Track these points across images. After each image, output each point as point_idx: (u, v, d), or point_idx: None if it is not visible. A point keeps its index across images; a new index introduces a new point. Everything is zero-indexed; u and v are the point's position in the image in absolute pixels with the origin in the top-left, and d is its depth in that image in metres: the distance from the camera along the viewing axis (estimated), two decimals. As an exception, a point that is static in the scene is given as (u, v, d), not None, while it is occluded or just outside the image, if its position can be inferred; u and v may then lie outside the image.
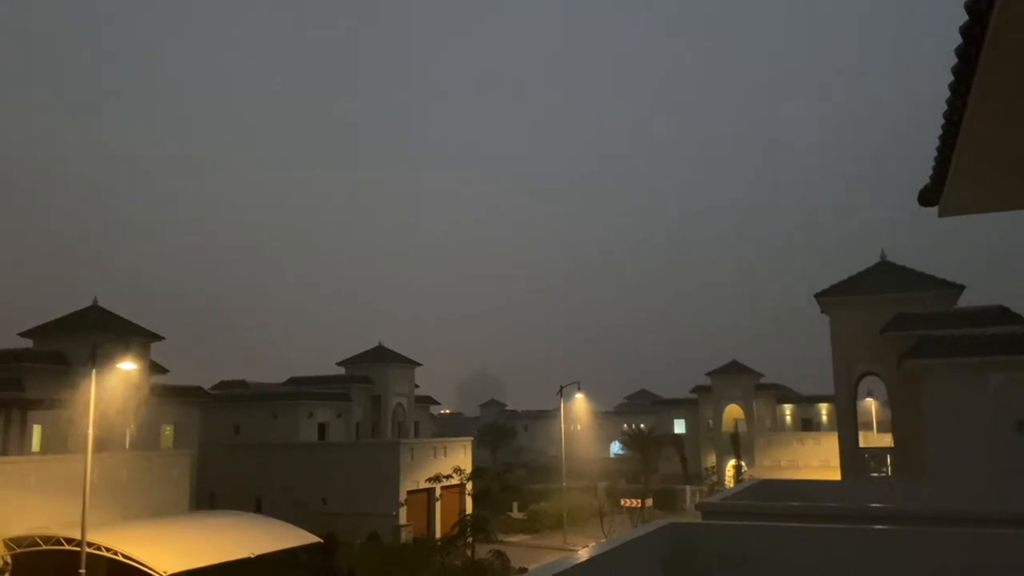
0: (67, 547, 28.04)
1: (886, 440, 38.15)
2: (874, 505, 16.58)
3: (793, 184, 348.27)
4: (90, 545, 26.77)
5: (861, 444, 33.11)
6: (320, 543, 34.57)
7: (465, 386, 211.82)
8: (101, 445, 30.82)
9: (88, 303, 42.16)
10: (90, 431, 26.21)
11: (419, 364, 64.52)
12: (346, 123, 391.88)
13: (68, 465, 30.01)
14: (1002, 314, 27.60)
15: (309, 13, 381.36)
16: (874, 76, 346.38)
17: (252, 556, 30.13)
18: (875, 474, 30.45)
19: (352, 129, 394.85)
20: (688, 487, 66.99)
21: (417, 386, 65.36)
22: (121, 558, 27.85)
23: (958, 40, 4.08)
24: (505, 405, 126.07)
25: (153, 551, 28.30)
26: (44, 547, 28.68)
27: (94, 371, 26.94)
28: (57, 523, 29.24)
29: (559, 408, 57.86)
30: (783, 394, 79.83)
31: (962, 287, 30.42)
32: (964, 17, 3.90)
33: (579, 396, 64.32)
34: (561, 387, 56.77)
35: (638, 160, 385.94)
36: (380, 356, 62.09)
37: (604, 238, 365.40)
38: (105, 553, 27.98)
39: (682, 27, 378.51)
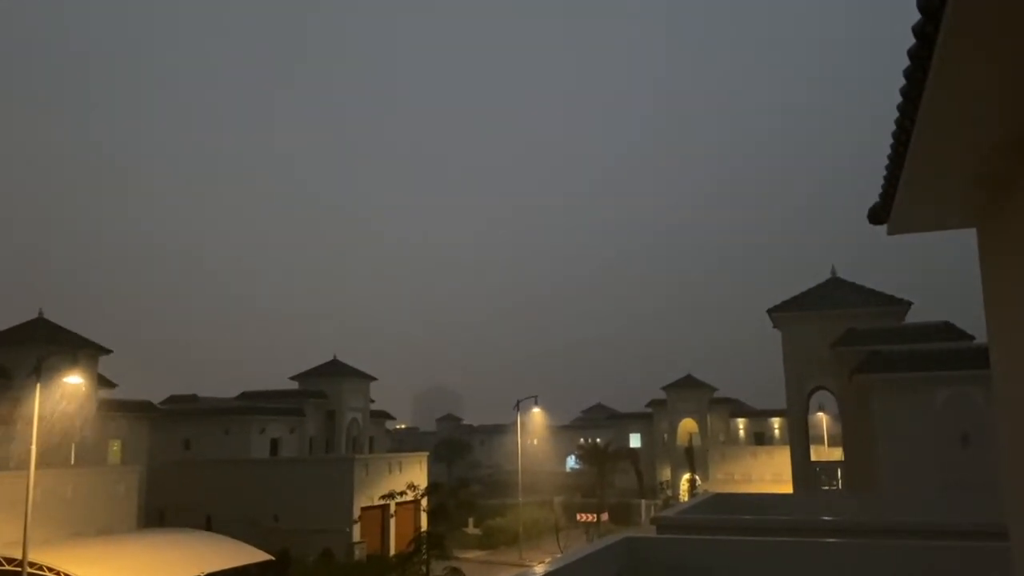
0: (8, 567, 27.21)
1: (837, 454, 38.79)
2: (825, 518, 16.81)
3: (746, 201, 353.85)
4: (32, 565, 25.99)
5: (812, 458, 33.62)
6: (272, 560, 34.01)
7: (421, 400, 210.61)
8: (45, 461, 30.01)
9: (33, 315, 41.14)
10: (33, 447, 25.46)
11: (374, 378, 63.98)
12: (305, 139, 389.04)
13: (10, 482, 29.13)
14: (948, 330, 28.29)
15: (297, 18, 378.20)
16: (827, 89, 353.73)
17: (202, 574, 29.51)
18: (826, 487, 30.92)
19: (311, 144, 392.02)
20: (643, 501, 67.25)
21: (372, 401, 64.78)
22: (64, 578, 27.09)
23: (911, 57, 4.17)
24: (461, 419, 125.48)
25: (99, 570, 27.60)
26: (-17, 567, 27.79)
27: (38, 385, 26.20)
28: (-3, 542, 28.34)
29: (516, 423, 57.71)
30: (737, 408, 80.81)
31: (910, 303, 31.13)
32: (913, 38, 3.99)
33: (536, 410, 64.26)
34: (518, 401, 56.68)
35: (594, 181, 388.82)
36: (335, 370, 61.40)
37: (560, 255, 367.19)
38: (48, 573, 27.21)
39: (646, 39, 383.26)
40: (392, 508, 48.31)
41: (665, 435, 78.19)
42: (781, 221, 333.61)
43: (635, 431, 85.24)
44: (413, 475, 50.41)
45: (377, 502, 47.19)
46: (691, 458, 69.93)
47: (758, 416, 79.42)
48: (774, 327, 32.35)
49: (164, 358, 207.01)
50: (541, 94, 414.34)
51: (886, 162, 5.65)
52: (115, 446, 43.72)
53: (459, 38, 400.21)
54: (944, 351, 26.30)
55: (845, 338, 29.35)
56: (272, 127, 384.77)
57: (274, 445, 54.88)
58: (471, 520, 59.24)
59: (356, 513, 45.75)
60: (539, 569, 9.68)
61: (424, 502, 49.15)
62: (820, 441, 60.36)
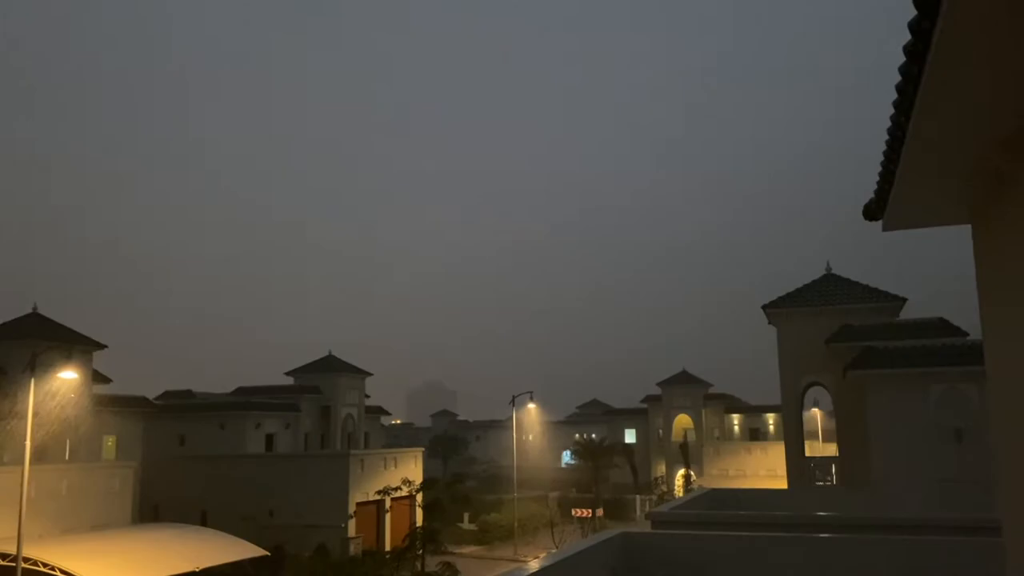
0: (2, 562, 27.15)
1: (831, 449, 38.85)
2: (819, 513, 16.84)
3: (742, 200, 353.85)
4: (26, 560, 25.94)
5: (807, 453, 33.65)
6: (267, 556, 34.00)
7: (416, 396, 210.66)
8: (40, 456, 29.98)
9: (28, 310, 41.03)
10: (28, 442, 25.42)
11: (370, 374, 63.95)
12: (308, 137, 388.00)
13: (4, 477, 29.08)
14: (942, 326, 28.32)
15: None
16: (823, 90, 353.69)
17: (197, 570, 29.49)
18: (820, 483, 30.97)
19: (314, 144, 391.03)
20: (638, 497, 67.33)
21: (368, 396, 64.75)
22: (59, 573, 27.04)
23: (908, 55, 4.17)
24: (457, 415, 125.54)
25: (93, 565, 27.54)
26: (-23, 563, 27.74)
27: (32, 380, 26.14)
28: (-8, 538, 28.29)
29: (511, 418, 57.78)
30: (731, 404, 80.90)
31: (904, 299, 31.17)
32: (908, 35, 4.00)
33: (531, 406, 64.33)
34: (513, 397, 56.73)
35: (597, 185, 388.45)
36: (330, 366, 61.35)
37: (557, 251, 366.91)
38: (42, 568, 27.14)
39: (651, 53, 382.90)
40: (387, 504, 48.35)
41: (660, 431, 78.28)
42: (776, 218, 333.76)
43: (630, 427, 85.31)
44: (408, 471, 50.47)
45: (372, 498, 47.21)
46: (686, 454, 70.02)
47: (753, 412, 79.55)
48: (769, 323, 32.36)
49: (159, 354, 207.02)
50: (560, 110, 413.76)
51: (881, 158, 5.66)
52: (110, 441, 43.66)
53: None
54: (938, 347, 26.34)
55: (840, 334, 29.38)
56: (287, 126, 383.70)
57: (269, 441, 54.84)
58: (466, 515, 59.30)
59: (351, 509, 45.78)
60: (534, 564, 9.69)
61: (419, 498, 49.23)
62: (815, 437, 60.51)
